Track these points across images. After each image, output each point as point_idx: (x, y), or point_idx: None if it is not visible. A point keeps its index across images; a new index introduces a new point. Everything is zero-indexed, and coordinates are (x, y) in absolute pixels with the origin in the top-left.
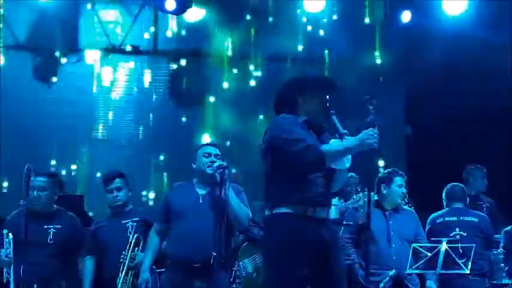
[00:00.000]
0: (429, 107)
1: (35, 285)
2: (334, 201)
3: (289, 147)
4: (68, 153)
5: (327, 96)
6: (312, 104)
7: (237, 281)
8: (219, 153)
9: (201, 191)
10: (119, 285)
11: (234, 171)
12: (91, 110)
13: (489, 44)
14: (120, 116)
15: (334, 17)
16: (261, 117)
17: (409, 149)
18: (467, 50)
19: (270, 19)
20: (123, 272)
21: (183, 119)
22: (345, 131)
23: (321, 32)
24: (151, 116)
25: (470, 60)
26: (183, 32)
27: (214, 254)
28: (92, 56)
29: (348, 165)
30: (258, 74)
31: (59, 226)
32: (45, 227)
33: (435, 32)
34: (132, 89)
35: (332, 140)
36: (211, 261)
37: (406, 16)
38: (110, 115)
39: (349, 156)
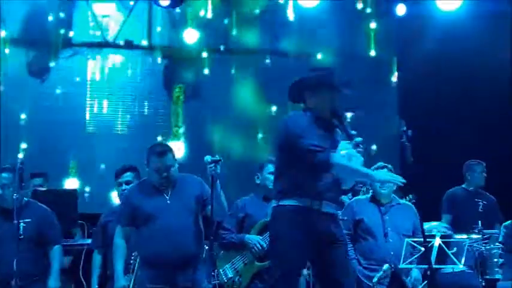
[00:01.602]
0: (423, 100)
1: (12, 282)
2: (345, 198)
3: (297, 144)
4: (62, 147)
5: (334, 95)
6: (319, 100)
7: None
8: (171, 163)
9: (165, 191)
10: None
11: None
12: (85, 105)
13: (483, 39)
14: (115, 110)
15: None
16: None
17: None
18: (462, 44)
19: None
20: (134, 273)
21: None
22: (354, 133)
23: (313, 25)
24: (145, 110)
25: (464, 55)
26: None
27: (206, 247)
28: (86, 50)
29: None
30: (251, 67)
31: (29, 220)
32: (15, 221)
33: (430, 25)
34: (126, 84)
35: (342, 142)
36: (200, 256)
37: (401, 9)
38: (104, 110)
39: (361, 159)
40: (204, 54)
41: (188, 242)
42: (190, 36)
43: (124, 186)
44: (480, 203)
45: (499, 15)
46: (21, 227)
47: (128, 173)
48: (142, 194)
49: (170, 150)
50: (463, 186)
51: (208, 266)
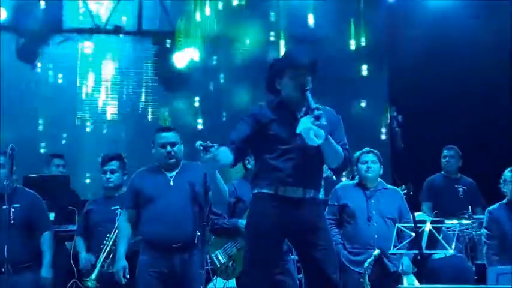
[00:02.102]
0: (413, 87)
1: (3, 268)
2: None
3: None
4: (53, 134)
5: (298, 72)
6: (285, 83)
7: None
8: (176, 140)
9: (170, 174)
10: (98, 267)
11: None
12: (75, 91)
13: (475, 27)
14: (105, 96)
15: None
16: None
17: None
18: (453, 31)
19: None
20: (104, 254)
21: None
22: (316, 106)
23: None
24: (136, 96)
25: (456, 42)
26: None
27: (199, 233)
28: (76, 36)
29: (319, 141)
30: (243, 52)
31: (18, 205)
32: (4, 207)
33: (421, 13)
34: (117, 70)
35: (303, 118)
36: (195, 241)
37: None
38: (95, 96)
39: (321, 132)
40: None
41: (186, 225)
42: (180, 59)
43: (108, 175)
44: (460, 188)
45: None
46: (11, 212)
47: (113, 162)
48: (146, 176)
49: (175, 129)
50: (442, 172)
51: (201, 252)
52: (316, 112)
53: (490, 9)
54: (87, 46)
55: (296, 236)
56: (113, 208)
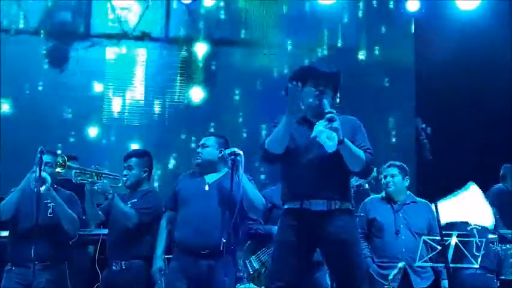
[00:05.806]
0: (441, 99)
1: (36, 263)
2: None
3: None
4: (79, 136)
5: (315, 82)
6: (306, 92)
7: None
8: (206, 143)
9: (209, 179)
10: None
11: None
12: (102, 96)
13: (502, 39)
14: (132, 101)
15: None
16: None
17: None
18: (481, 43)
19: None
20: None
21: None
22: (329, 110)
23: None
24: (162, 102)
25: (484, 53)
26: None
27: (224, 240)
28: (104, 41)
29: (331, 143)
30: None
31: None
32: (44, 201)
33: (449, 25)
34: (143, 76)
35: (318, 122)
36: (221, 248)
37: (413, 5)
38: (121, 101)
39: (333, 135)
40: None
41: (215, 232)
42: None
43: (125, 171)
44: None
45: None
46: (51, 207)
47: (131, 159)
48: (187, 179)
49: (217, 136)
50: (502, 186)
51: (227, 259)
52: (329, 115)
53: None
54: (114, 51)
55: (322, 249)
56: (130, 202)
